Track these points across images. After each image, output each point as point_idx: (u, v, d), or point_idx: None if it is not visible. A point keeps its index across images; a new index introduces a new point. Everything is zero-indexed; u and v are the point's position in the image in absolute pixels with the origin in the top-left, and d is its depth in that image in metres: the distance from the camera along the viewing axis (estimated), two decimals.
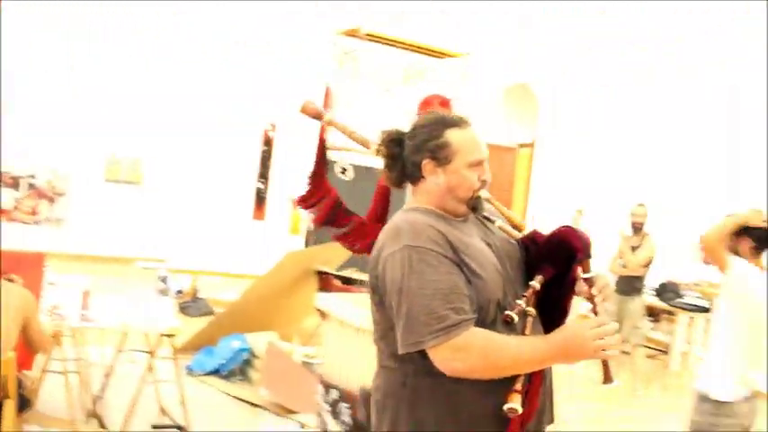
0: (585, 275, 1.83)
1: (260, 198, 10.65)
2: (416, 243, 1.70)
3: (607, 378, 1.81)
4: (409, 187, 1.96)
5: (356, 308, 3.41)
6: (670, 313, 8.53)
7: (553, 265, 1.84)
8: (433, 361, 1.67)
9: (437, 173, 1.84)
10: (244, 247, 9.64)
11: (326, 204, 3.15)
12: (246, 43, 9.61)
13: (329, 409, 3.57)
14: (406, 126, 1.96)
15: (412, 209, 1.87)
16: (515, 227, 1.95)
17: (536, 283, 1.82)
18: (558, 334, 1.70)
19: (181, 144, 9.73)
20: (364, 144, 3.14)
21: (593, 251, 1.85)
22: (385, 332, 1.81)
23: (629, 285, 6.83)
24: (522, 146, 12.42)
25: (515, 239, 1.93)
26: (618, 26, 9.10)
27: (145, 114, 9.40)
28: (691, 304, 8.17)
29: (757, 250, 3.36)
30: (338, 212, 3.17)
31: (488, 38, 9.72)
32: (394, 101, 11.14)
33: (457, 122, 1.87)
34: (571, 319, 1.86)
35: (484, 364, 1.65)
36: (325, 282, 6.18)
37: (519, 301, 1.75)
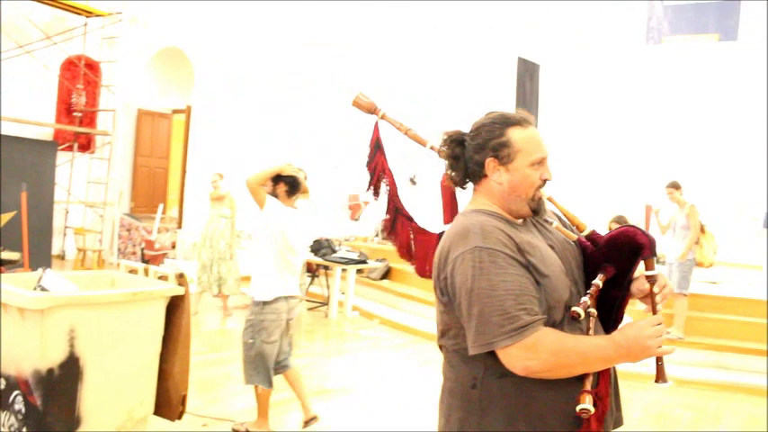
0: (648, 273, 1.82)
1: None
2: (486, 245, 1.71)
3: (661, 377, 1.81)
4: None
5: (15, 287, 3.17)
6: (326, 267, 9.25)
7: (615, 264, 1.86)
8: (504, 361, 1.68)
9: (500, 171, 1.85)
10: None
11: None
12: None
13: None
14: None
15: (476, 210, 1.87)
16: (577, 226, 1.99)
17: (599, 281, 1.83)
18: (621, 333, 1.71)
19: None
20: (419, 141, 3.18)
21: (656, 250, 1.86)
22: (455, 332, 1.80)
23: None
24: (176, 111, 12.24)
25: (573, 240, 1.95)
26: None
27: None
28: (344, 258, 8.96)
29: (289, 193, 4.39)
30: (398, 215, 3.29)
31: None
32: (34, 60, 10.18)
33: (519, 121, 1.87)
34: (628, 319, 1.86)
35: (555, 362, 1.66)
36: None
37: (584, 298, 1.78)
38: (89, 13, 10.57)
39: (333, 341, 7.65)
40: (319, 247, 9.05)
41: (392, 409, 5.26)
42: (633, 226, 1.92)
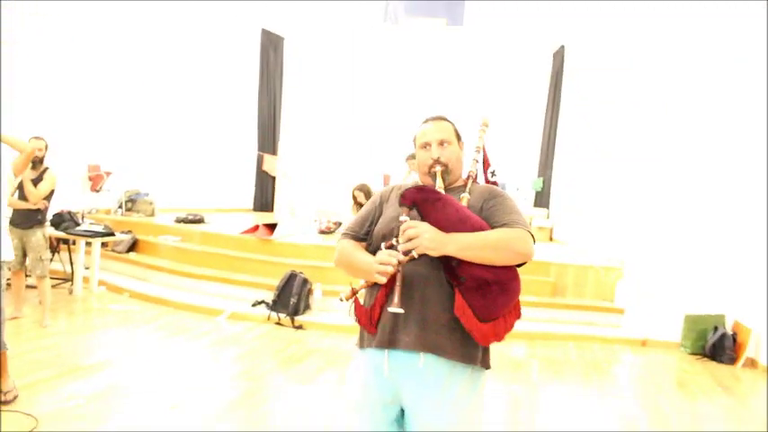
0: (401, 218, 2.20)
1: None
2: (376, 193, 2.61)
3: (398, 301, 2.11)
4: None
5: None
6: (66, 242, 8.86)
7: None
8: None
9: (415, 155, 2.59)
10: None
11: None
12: None
13: None
14: None
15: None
16: None
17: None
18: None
19: None
20: None
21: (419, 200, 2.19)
22: None
23: (31, 218, 6.87)
24: None
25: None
26: None
27: None
28: (88, 231, 8.64)
29: None
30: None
31: None
32: None
33: (426, 120, 2.56)
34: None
35: (339, 259, 2.43)
36: None
37: (393, 240, 2.25)
38: None
39: (80, 318, 7.41)
40: (61, 220, 8.63)
41: (148, 380, 5.35)
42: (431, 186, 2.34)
